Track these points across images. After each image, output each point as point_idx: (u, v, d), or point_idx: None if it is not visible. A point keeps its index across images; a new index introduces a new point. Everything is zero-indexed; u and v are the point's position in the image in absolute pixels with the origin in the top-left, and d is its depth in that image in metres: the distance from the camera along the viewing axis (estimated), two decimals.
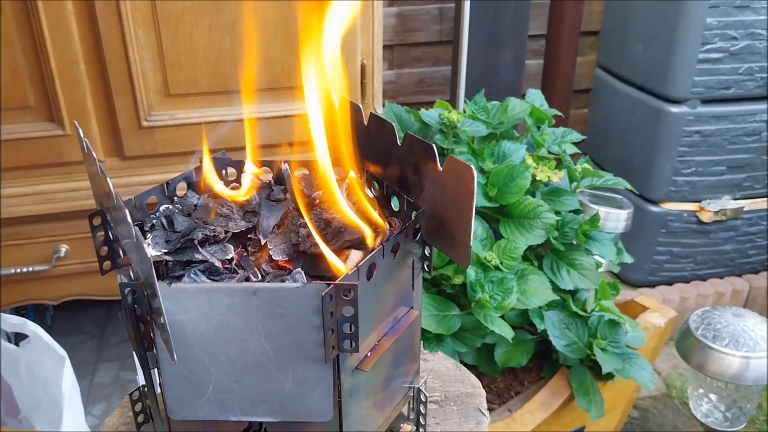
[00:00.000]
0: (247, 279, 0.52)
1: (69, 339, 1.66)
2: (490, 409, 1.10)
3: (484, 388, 0.72)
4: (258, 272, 0.53)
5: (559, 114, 1.27)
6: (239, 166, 0.64)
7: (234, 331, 0.49)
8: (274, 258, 0.54)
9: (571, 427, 1.17)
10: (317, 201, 0.57)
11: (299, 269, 0.52)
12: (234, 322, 0.49)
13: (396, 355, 0.59)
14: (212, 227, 0.55)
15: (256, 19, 1.16)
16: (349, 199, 0.57)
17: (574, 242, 1.14)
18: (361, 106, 0.62)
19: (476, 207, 1.09)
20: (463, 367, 0.74)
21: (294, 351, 0.50)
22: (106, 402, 1.50)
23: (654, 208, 1.73)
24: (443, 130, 1.14)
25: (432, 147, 0.54)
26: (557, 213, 1.11)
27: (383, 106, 1.23)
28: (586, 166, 1.19)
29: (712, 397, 1.31)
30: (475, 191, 0.50)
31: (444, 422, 0.66)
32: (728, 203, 1.71)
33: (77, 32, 1.12)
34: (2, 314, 1.05)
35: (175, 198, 0.61)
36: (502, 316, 1.04)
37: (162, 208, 0.59)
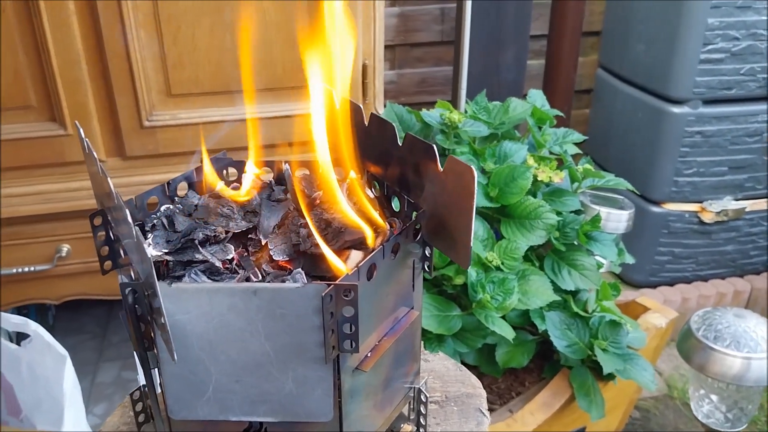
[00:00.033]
0: (248, 279, 0.52)
1: (71, 338, 1.66)
2: (491, 410, 1.10)
3: (485, 388, 0.72)
4: (258, 272, 0.53)
5: (561, 114, 1.27)
6: (240, 166, 0.64)
7: (234, 331, 0.49)
8: (274, 258, 0.54)
9: (572, 427, 1.17)
10: (318, 201, 0.57)
11: (299, 269, 0.52)
12: (234, 322, 0.49)
13: (396, 356, 0.59)
14: (213, 227, 0.55)
15: (257, 19, 1.16)
16: (350, 200, 0.57)
17: (576, 243, 1.14)
18: (361, 106, 0.62)
19: (477, 207, 1.09)
20: (463, 367, 0.74)
21: (294, 351, 0.50)
22: (107, 401, 1.50)
23: (655, 209, 1.73)
24: (444, 130, 1.14)
25: (432, 147, 0.54)
26: (558, 213, 1.11)
27: (384, 106, 1.23)
28: (588, 166, 1.18)
29: (714, 397, 1.31)
30: (476, 191, 0.50)
31: (444, 422, 0.66)
32: (730, 204, 1.71)
33: (79, 32, 1.12)
34: (4, 314, 1.05)
35: (176, 198, 0.61)
36: (503, 317, 1.04)
37: (163, 208, 0.59)
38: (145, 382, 0.55)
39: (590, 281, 1.11)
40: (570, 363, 1.14)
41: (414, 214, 0.58)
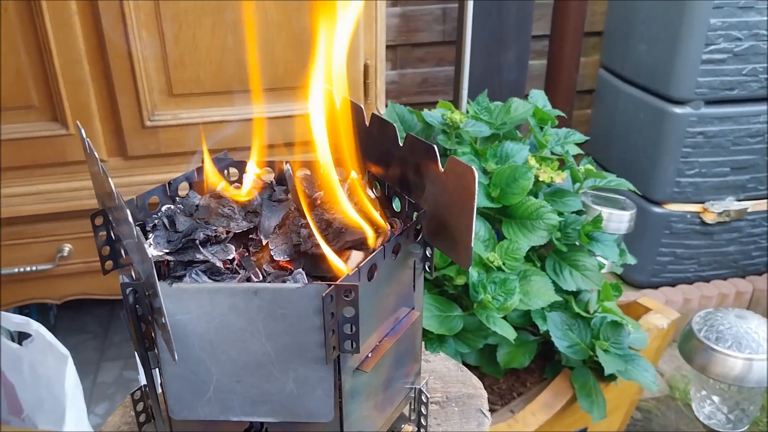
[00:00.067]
0: (249, 279, 0.52)
1: (72, 338, 1.66)
2: (492, 410, 1.10)
3: (486, 389, 0.72)
4: (259, 272, 0.53)
5: (562, 115, 1.26)
6: (241, 166, 0.65)
7: (235, 331, 0.49)
8: (275, 258, 0.54)
9: (574, 428, 1.17)
10: (319, 201, 0.57)
11: (300, 270, 0.52)
12: (235, 323, 0.49)
13: (397, 356, 0.59)
14: (214, 227, 0.55)
15: (259, 19, 1.16)
16: (351, 200, 0.57)
17: (577, 243, 1.13)
18: (362, 106, 0.62)
19: (479, 208, 1.09)
20: (464, 367, 0.74)
21: (295, 351, 0.50)
22: (109, 401, 1.50)
23: (657, 209, 1.73)
24: (446, 130, 1.14)
25: (433, 148, 0.54)
26: (560, 214, 1.11)
27: (386, 106, 1.23)
28: (589, 166, 1.18)
29: (715, 398, 1.30)
30: (477, 192, 0.50)
31: (445, 423, 0.66)
32: (732, 204, 1.71)
33: (81, 32, 1.13)
34: (6, 313, 1.05)
35: (177, 198, 0.61)
36: (504, 317, 1.04)
37: (164, 208, 0.59)
38: (146, 382, 0.56)
39: (592, 282, 1.11)
40: (571, 363, 1.14)
41: (415, 214, 0.58)
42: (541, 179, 1.11)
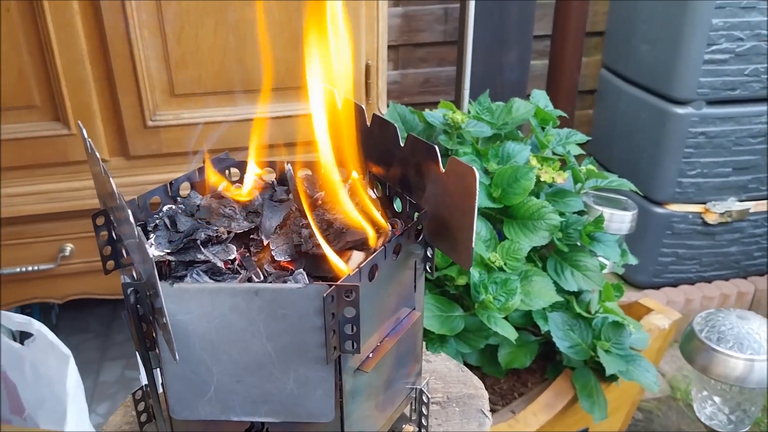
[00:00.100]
0: (250, 279, 0.52)
1: (74, 338, 1.66)
2: (493, 411, 1.10)
3: (487, 389, 0.72)
4: (260, 273, 0.53)
5: (564, 115, 1.26)
6: (242, 166, 0.65)
7: (236, 331, 0.49)
8: (276, 258, 0.54)
9: (575, 428, 1.17)
10: (320, 202, 0.57)
11: (301, 270, 0.52)
12: (236, 323, 0.49)
13: (398, 356, 0.59)
14: (215, 227, 0.55)
15: (265, 18, 1.16)
16: (352, 200, 0.57)
17: (579, 243, 1.13)
18: (364, 106, 0.62)
19: (480, 208, 1.09)
20: (465, 368, 0.74)
21: (296, 351, 0.50)
22: (110, 400, 1.50)
23: (659, 210, 1.72)
24: (447, 130, 1.14)
25: (434, 148, 0.54)
26: (561, 214, 1.11)
27: (387, 106, 1.23)
28: (591, 167, 1.18)
29: (717, 399, 1.30)
30: (479, 192, 0.50)
31: (446, 423, 0.66)
32: (733, 205, 1.71)
33: (83, 32, 1.13)
34: (8, 313, 1.05)
35: (179, 198, 0.61)
36: (505, 318, 1.04)
37: (165, 208, 0.59)
38: (147, 382, 0.56)
39: (593, 282, 1.11)
40: (573, 364, 1.14)
41: (416, 214, 0.58)
42: (542, 179, 1.11)
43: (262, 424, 0.55)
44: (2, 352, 1.05)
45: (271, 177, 0.64)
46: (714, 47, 1.54)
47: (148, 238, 0.54)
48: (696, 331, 1.27)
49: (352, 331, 0.49)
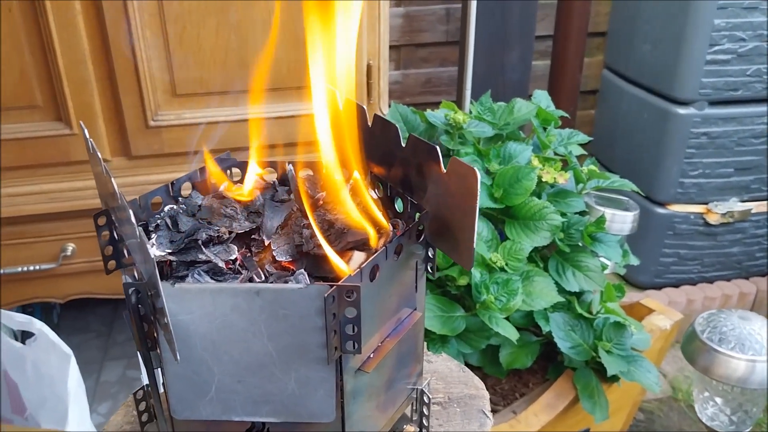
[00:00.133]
0: (251, 279, 0.52)
1: (75, 337, 1.66)
2: (494, 411, 1.10)
3: (488, 389, 0.72)
4: (261, 273, 0.53)
5: (566, 115, 1.26)
6: (243, 166, 0.65)
7: (237, 331, 0.49)
8: (277, 259, 0.54)
9: (576, 429, 1.17)
10: (321, 202, 0.57)
11: (302, 270, 0.52)
12: (237, 323, 0.49)
13: (399, 357, 0.59)
14: (216, 228, 0.55)
15: (262, 19, 1.16)
16: (353, 201, 0.57)
17: (580, 244, 1.13)
18: (365, 107, 0.62)
19: (482, 208, 1.09)
20: (466, 368, 0.74)
21: (297, 352, 0.50)
22: (112, 400, 1.50)
23: (661, 210, 1.72)
24: (449, 130, 1.14)
25: (436, 149, 0.54)
26: (563, 214, 1.11)
27: (389, 106, 1.23)
28: (593, 167, 1.18)
29: (718, 400, 1.30)
30: (480, 192, 0.50)
31: (447, 424, 0.66)
32: (735, 205, 1.71)
33: (85, 32, 1.13)
34: (9, 312, 1.05)
35: (180, 198, 0.62)
36: (507, 318, 1.04)
37: (167, 208, 0.59)
38: (148, 382, 0.56)
39: (594, 282, 1.11)
40: (574, 364, 1.14)
41: (417, 215, 0.58)
42: (544, 180, 1.11)
43: (263, 424, 0.55)
44: (4, 351, 1.06)
45: (273, 177, 0.64)
46: (716, 48, 1.54)
47: (149, 238, 0.54)
48: (697, 332, 1.27)
49: (353, 331, 0.49)
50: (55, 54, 1.13)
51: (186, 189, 0.63)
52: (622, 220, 1.24)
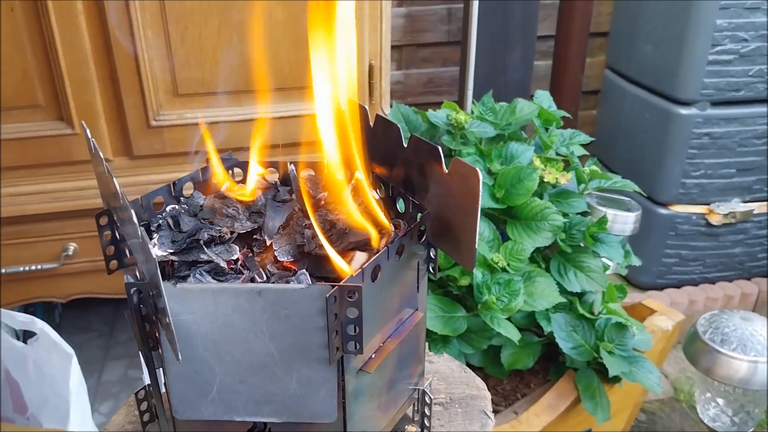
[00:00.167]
0: (252, 280, 0.52)
1: (77, 337, 1.66)
2: (496, 411, 1.10)
3: (490, 389, 0.72)
4: (263, 273, 0.53)
5: (568, 115, 1.26)
6: (245, 166, 0.65)
7: (239, 331, 0.49)
8: (279, 259, 0.54)
9: (578, 429, 1.17)
10: (323, 202, 0.57)
11: (304, 270, 0.52)
12: (239, 323, 0.49)
13: (400, 357, 0.59)
14: (218, 228, 0.55)
15: (264, 19, 1.16)
16: (355, 201, 0.57)
17: (582, 244, 1.13)
18: (367, 107, 0.62)
19: (483, 208, 1.09)
20: (468, 369, 0.74)
21: (298, 352, 0.50)
22: (113, 400, 1.50)
23: (663, 211, 1.72)
24: (451, 131, 1.14)
25: (437, 149, 0.54)
26: (565, 215, 1.11)
27: (391, 106, 1.23)
28: (594, 167, 1.18)
29: (720, 401, 1.30)
30: (482, 193, 0.50)
31: (448, 424, 0.66)
32: (737, 206, 1.70)
33: (87, 32, 1.13)
34: (11, 312, 1.05)
35: (182, 198, 0.62)
36: (508, 318, 1.04)
37: (168, 208, 0.59)
38: (150, 382, 0.56)
39: (596, 283, 1.11)
40: (575, 365, 1.14)
41: (419, 215, 0.58)
42: (546, 180, 1.11)
43: (265, 424, 0.55)
44: (6, 351, 1.06)
45: (275, 177, 0.64)
46: (718, 48, 1.54)
47: (151, 238, 0.54)
48: (699, 333, 1.27)
49: (355, 331, 0.49)
50: (57, 54, 1.13)
51: (188, 189, 0.63)
52: (623, 221, 1.24)
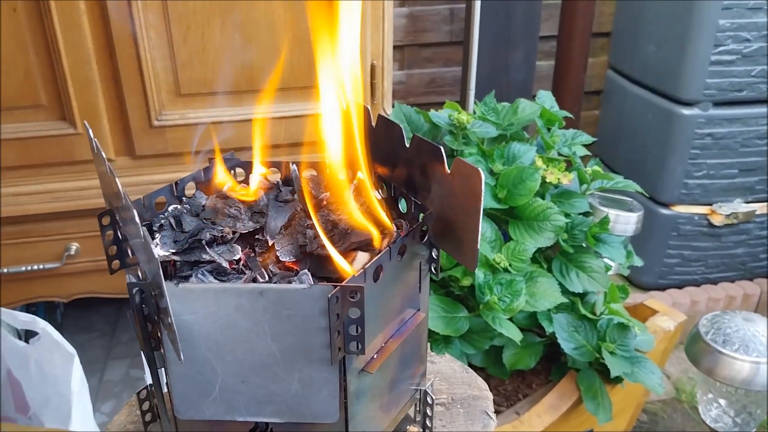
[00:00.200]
0: (254, 280, 0.52)
1: (79, 336, 1.67)
2: (497, 412, 1.10)
3: (491, 390, 0.72)
4: (265, 273, 0.53)
5: (570, 116, 1.26)
6: (247, 166, 0.65)
7: (241, 331, 0.49)
8: (281, 259, 0.54)
9: (580, 430, 1.17)
10: (325, 202, 0.57)
11: (306, 270, 0.52)
12: (241, 323, 0.49)
13: (402, 357, 0.59)
14: (220, 228, 0.55)
15: (266, 19, 1.16)
16: (357, 201, 0.57)
17: (584, 245, 1.13)
18: (369, 107, 0.62)
19: (485, 209, 1.09)
20: (470, 369, 0.74)
21: (300, 352, 0.50)
22: (115, 399, 1.50)
23: (665, 211, 1.72)
24: (453, 131, 1.14)
25: (440, 149, 0.53)
26: (567, 215, 1.10)
27: (393, 106, 1.23)
28: (597, 168, 1.18)
29: (722, 402, 1.30)
30: (484, 193, 0.50)
31: (450, 424, 0.66)
32: (740, 206, 1.70)
33: (89, 32, 1.13)
34: (13, 312, 1.06)
35: (184, 198, 0.62)
36: (510, 319, 1.04)
37: (171, 208, 0.59)
38: (152, 382, 0.56)
39: (598, 283, 1.11)
40: (577, 365, 1.14)
41: (421, 215, 0.57)
42: (548, 180, 1.10)
43: (267, 424, 0.55)
44: (7, 350, 1.06)
45: (277, 177, 0.64)
46: (721, 48, 1.54)
47: (153, 238, 0.54)
48: (701, 333, 1.27)
49: (357, 331, 0.49)
50: (60, 54, 1.13)
51: (190, 189, 0.63)
52: (626, 221, 1.24)
